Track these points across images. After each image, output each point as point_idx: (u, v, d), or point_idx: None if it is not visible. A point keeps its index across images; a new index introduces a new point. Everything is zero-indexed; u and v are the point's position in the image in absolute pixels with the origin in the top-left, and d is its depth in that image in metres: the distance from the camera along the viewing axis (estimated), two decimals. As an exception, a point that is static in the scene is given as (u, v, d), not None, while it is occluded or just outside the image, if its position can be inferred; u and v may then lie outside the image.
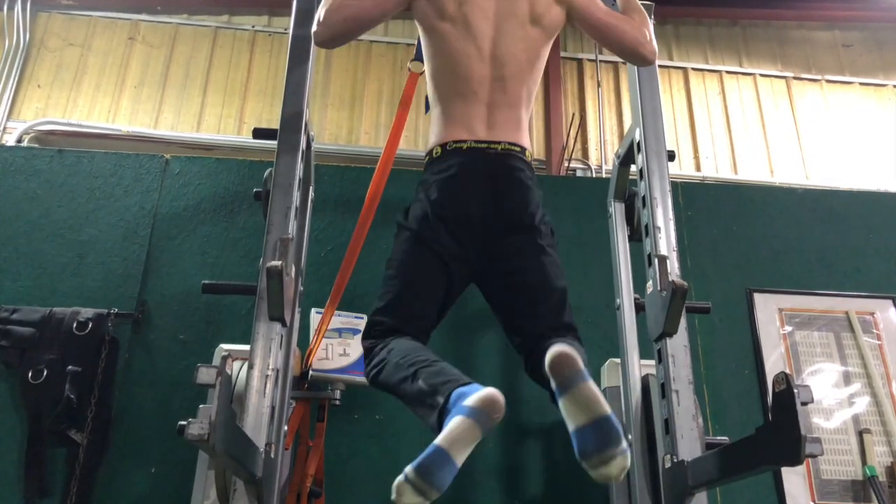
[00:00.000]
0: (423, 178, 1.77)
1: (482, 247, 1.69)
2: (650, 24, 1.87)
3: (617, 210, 2.38)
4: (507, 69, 1.77)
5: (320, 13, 1.72)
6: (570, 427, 1.26)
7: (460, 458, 1.25)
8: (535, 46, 1.81)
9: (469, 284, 1.78)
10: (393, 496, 1.21)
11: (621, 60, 4.99)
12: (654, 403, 1.97)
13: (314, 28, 1.73)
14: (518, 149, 1.75)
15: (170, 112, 4.62)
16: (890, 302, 3.00)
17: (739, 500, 2.55)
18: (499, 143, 1.73)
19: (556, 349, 1.29)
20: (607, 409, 1.24)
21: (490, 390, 1.29)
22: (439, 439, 1.27)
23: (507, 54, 1.77)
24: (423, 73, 1.96)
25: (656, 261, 1.77)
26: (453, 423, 1.27)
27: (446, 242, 1.67)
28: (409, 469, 1.22)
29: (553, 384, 1.29)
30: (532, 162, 1.79)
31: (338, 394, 2.32)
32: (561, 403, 1.28)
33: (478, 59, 1.76)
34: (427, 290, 1.68)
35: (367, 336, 1.68)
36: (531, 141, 1.85)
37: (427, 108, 1.98)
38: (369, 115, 4.78)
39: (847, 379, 2.85)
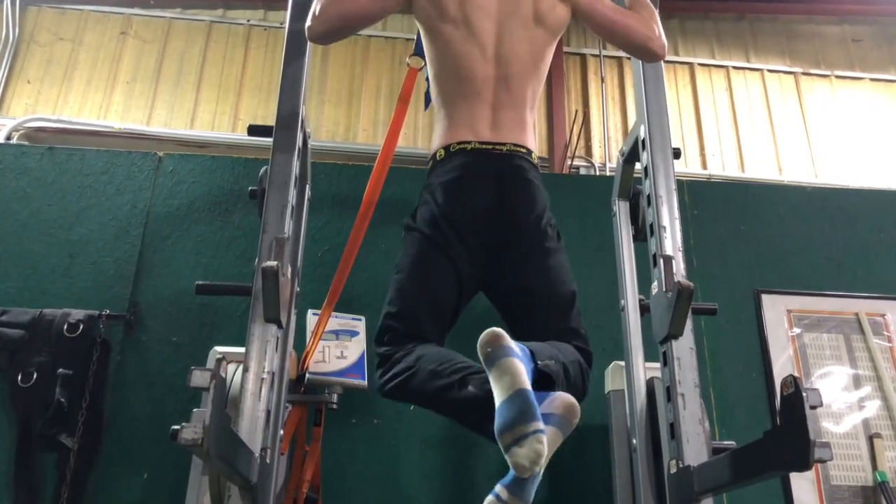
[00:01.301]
0: (429, 181, 1.79)
1: (489, 250, 1.71)
2: (658, 18, 1.87)
3: (621, 209, 2.38)
4: (511, 69, 1.77)
5: (315, 7, 1.72)
6: (495, 402, 1.25)
7: (525, 383, 1.24)
8: (539, 46, 1.82)
9: (479, 290, 1.79)
10: None
11: (626, 55, 5.00)
12: (659, 407, 1.97)
13: (308, 23, 1.74)
14: (524, 150, 1.77)
15: (163, 108, 4.62)
16: (901, 303, 3.00)
17: (747, 506, 2.55)
18: (504, 143, 1.74)
19: (489, 330, 1.30)
20: (526, 384, 1.23)
21: (565, 396, 1.31)
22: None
23: (510, 54, 1.78)
24: (422, 68, 1.96)
25: (661, 261, 1.77)
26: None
27: (456, 245, 1.69)
28: (499, 488, 1.23)
29: (482, 362, 1.30)
30: (537, 163, 1.82)
31: (335, 397, 2.32)
32: (490, 381, 1.27)
33: (481, 59, 1.77)
34: (440, 294, 1.69)
35: (381, 343, 1.67)
36: (534, 138, 1.86)
37: (427, 104, 1.99)
38: (367, 112, 4.78)
39: (857, 382, 2.85)
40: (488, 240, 1.71)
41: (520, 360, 1.28)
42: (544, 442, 1.19)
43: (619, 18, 1.83)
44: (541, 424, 1.19)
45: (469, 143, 1.74)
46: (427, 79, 1.99)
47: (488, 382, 1.32)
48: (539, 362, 1.40)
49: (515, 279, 1.73)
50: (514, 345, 1.31)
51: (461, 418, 1.52)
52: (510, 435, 1.18)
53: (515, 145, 1.75)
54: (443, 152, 1.77)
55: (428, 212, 1.73)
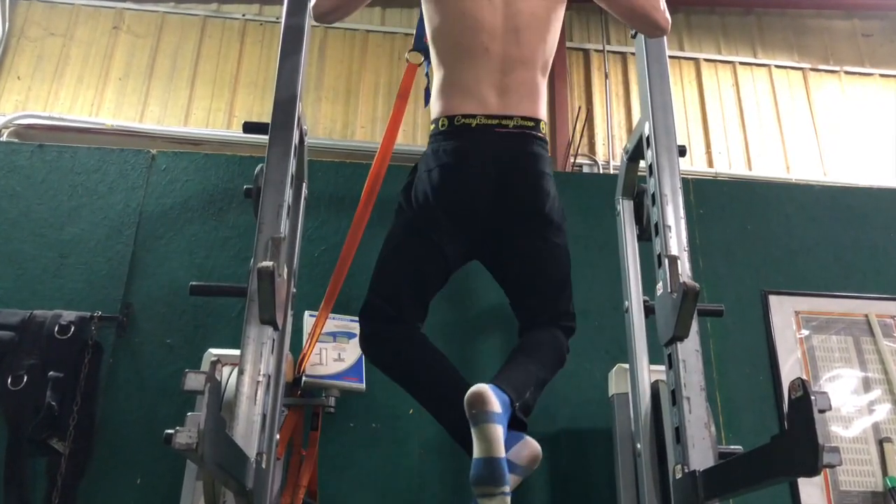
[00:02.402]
0: (430, 149, 1.76)
1: (486, 235, 1.74)
2: None
3: (625, 208, 2.37)
4: (521, 18, 1.71)
5: None
6: (473, 453, 1.43)
7: (500, 452, 1.42)
8: (548, 4, 1.77)
9: (468, 261, 1.85)
10: None
11: (630, 51, 5.00)
12: (664, 411, 1.97)
13: (312, 1, 1.74)
14: (531, 123, 1.72)
15: (156, 105, 4.62)
16: (912, 304, 3.00)
17: (754, 512, 2.56)
18: (511, 117, 1.70)
19: (475, 388, 1.45)
20: (501, 452, 1.42)
21: (531, 448, 1.54)
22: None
23: (521, 2, 1.72)
24: (421, 63, 1.96)
25: (666, 261, 1.77)
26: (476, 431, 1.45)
27: (448, 230, 1.71)
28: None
29: (467, 415, 1.46)
30: (545, 135, 1.78)
31: (332, 401, 2.32)
32: (471, 432, 1.45)
33: (489, 7, 1.70)
34: (425, 277, 1.76)
35: (364, 317, 1.76)
36: (544, 105, 1.82)
37: (427, 100, 1.97)
38: (365, 109, 4.78)
39: (867, 385, 2.85)
40: (486, 226, 1.73)
41: (499, 424, 1.43)
42: (508, 502, 1.41)
43: None
44: (507, 487, 1.39)
45: (474, 116, 1.68)
46: (427, 58, 1.94)
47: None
48: (517, 411, 1.55)
49: (513, 265, 1.78)
50: (496, 404, 1.44)
51: (433, 413, 1.68)
52: (481, 489, 1.40)
53: (524, 119, 1.70)
54: (445, 122, 1.72)
55: (422, 191, 1.72)
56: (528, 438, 1.54)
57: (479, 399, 1.44)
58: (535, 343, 1.76)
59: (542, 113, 1.76)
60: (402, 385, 1.73)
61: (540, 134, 1.75)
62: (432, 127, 1.78)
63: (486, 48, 1.70)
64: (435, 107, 1.78)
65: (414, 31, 2.18)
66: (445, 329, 2.68)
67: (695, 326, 1.74)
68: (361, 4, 1.80)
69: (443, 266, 1.76)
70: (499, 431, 1.43)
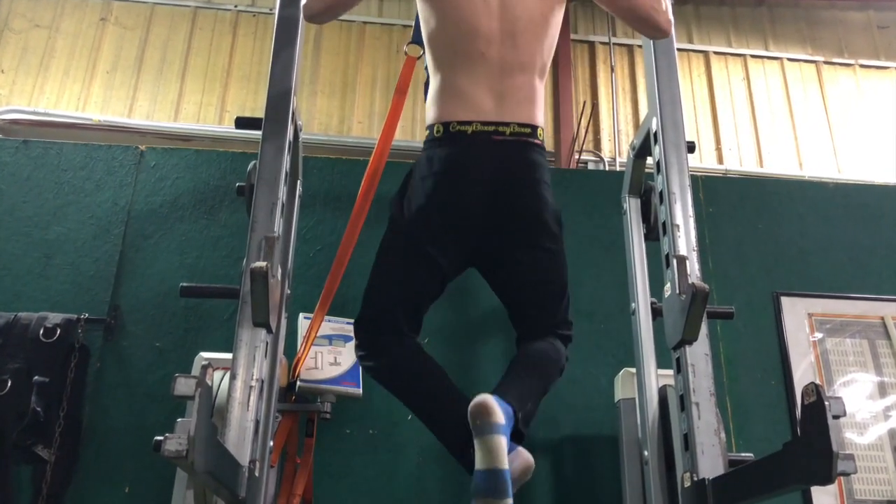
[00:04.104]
0: (424, 155, 1.77)
1: (482, 245, 1.76)
2: None
3: (632, 206, 2.38)
4: (518, 24, 1.74)
5: None
6: (475, 465, 1.45)
7: (504, 464, 1.43)
8: (548, 2, 1.79)
9: (465, 270, 1.86)
10: None
11: (637, 43, 5.00)
12: (672, 417, 1.97)
13: (303, 1, 1.75)
14: (528, 130, 1.74)
15: (145, 100, 4.62)
16: (929, 306, 3.00)
17: (765, 522, 2.56)
18: (508, 124, 1.72)
19: (478, 399, 1.46)
20: (504, 464, 1.43)
21: (524, 460, 1.53)
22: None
23: (518, 5, 1.74)
24: (420, 56, 1.95)
25: (675, 261, 1.77)
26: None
27: (443, 240, 1.72)
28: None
29: (470, 426, 1.47)
30: (543, 141, 1.79)
31: (328, 406, 2.32)
32: (474, 446, 1.46)
33: (485, 11, 1.73)
34: (419, 289, 1.77)
35: (363, 332, 1.77)
36: (542, 110, 1.82)
37: (427, 95, 1.97)
38: (362, 103, 4.78)
39: (882, 390, 2.85)
40: (483, 235, 1.74)
41: (503, 435, 1.45)
42: None
43: None
44: (510, 500, 1.41)
45: (470, 123, 1.71)
46: (423, 50, 1.94)
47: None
48: (519, 424, 1.57)
49: (510, 275, 1.79)
50: (500, 415, 1.46)
51: (431, 428, 1.70)
52: (482, 500, 1.42)
53: (521, 125, 1.72)
54: (441, 129, 1.73)
55: (417, 201, 1.73)
56: (521, 449, 1.56)
57: (484, 410, 1.45)
58: (534, 353, 1.78)
59: (540, 119, 1.78)
60: (399, 398, 1.75)
61: (537, 141, 1.76)
62: (427, 133, 1.79)
63: (482, 53, 1.72)
64: (430, 112, 1.80)
65: (413, 23, 2.18)
66: (444, 332, 2.69)
67: (704, 329, 1.74)
68: (353, 5, 1.81)
69: (438, 277, 1.77)
70: (503, 443, 1.44)
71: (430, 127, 1.77)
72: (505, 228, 1.74)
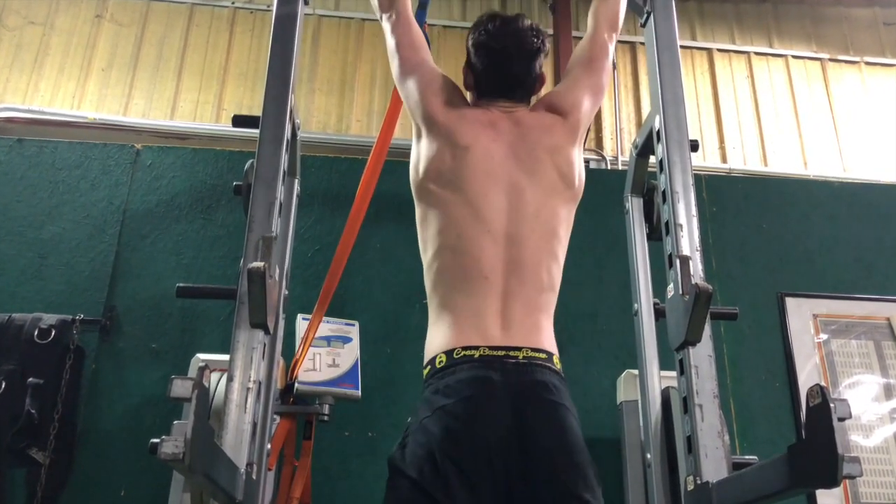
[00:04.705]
0: (424, 395, 1.53)
1: (505, 489, 1.44)
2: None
3: (634, 206, 2.38)
4: (525, 252, 1.61)
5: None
6: None
7: None
8: (557, 215, 1.68)
9: None
10: None
11: (639, 41, 5.00)
12: (675, 419, 1.97)
13: None
14: (544, 356, 1.54)
15: (141, 98, 4.62)
16: (936, 307, 3.00)
17: (770, 525, 2.56)
18: (519, 348, 1.52)
19: None
20: None
21: None
22: None
23: (524, 232, 1.62)
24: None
25: (678, 262, 1.77)
26: None
27: (457, 490, 1.41)
28: None
29: None
30: (561, 369, 1.58)
31: (326, 408, 2.32)
32: None
33: (489, 238, 1.60)
34: None
35: None
36: (553, 337, 1.63)
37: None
38: (361, 101, 4.78)
39: (888, 392, 2.85)
40: (505, 478, 1.43)
41: None
42: None
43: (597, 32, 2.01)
44: None
45: (476, 348, 1.51)
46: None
47: None
48: None
49: None
50: None
51: None
52: None
53: (534, 350, 1.53)
54: (444, 358, 1.52)
55: (422, 447, 1.45)
56: None
57: None
58: None
59: (552, 346, 1.59)
60: None
61: (555, 367, 1.55)
62: (426, 370, 1.56)
63: (486, 278, 1.57)
64: (430, 345, 1.59)
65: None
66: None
67: (707, 330, 1.74)
68: None
69: None
70: None
71: (430, 362, 1.55)
72: (535, 475, 1.44)
